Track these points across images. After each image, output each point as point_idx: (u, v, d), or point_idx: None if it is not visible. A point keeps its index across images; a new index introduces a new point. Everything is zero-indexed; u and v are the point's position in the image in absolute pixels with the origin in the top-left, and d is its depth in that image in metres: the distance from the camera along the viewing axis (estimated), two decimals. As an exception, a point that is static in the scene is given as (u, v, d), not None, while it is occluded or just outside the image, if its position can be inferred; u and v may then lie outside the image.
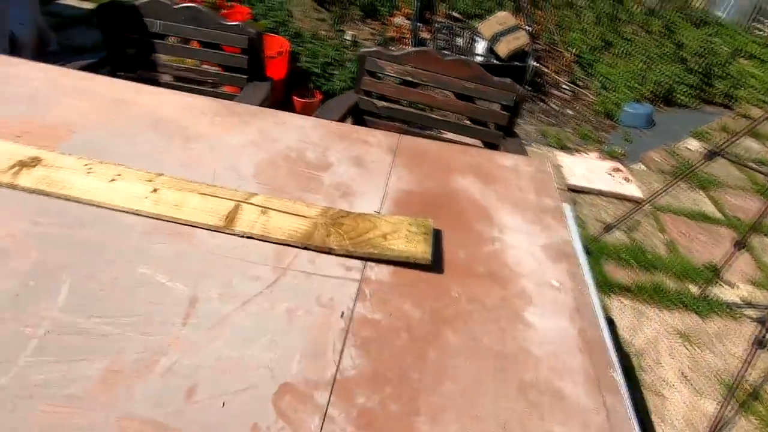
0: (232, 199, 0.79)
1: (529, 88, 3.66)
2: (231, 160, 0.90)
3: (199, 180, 0.82)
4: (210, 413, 0.50)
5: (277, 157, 0.94)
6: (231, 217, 0.75)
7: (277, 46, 2.54)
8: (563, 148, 2.98)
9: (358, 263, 0.72)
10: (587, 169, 2.67)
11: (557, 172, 2.56)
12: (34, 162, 0.79)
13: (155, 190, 0.78)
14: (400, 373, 0.58)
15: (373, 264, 0.73)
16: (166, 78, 1.47)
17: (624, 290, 1.92)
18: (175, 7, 1.37)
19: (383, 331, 0.63)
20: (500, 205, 0.91)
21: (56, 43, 2.84)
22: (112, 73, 1.46)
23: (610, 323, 1.75)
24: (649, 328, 1.82)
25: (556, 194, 0.97)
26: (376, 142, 1.05)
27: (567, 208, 0.95)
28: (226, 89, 1.54)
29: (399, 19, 4.45)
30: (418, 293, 0.69)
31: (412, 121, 1.44)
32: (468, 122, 1.43)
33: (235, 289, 0.64)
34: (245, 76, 1.43)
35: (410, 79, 1.37)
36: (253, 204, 0.78)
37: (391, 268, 0.73)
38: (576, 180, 2.51)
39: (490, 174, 1.00)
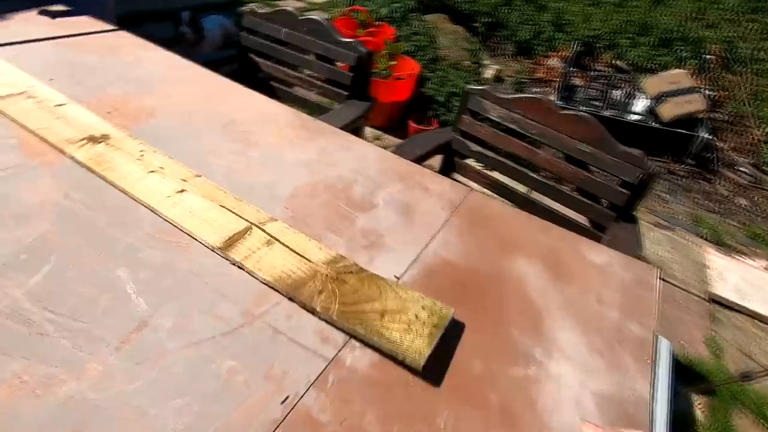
0: (246, 220, 0.72)
1: (693, 162, 3.04)
2: (275, 176, 0.85)
3: (234, 190, 0.78)
4: (76, 471, 0.42)
5: (322, 183, 0.86)
6: (233, 240, 0.68)
7: (408, 68, 2.53)
8: (719, 243, 2.37)
9: (340, 337, 0.59)
10: (746, 279, 2.06)
11: (700, 272, 2.03)
12: (101, 139, 0.84)
13: (182, 191, 0.76)
14: None
15: (357, 343, 0.58)
16: (277, 81, 1.52)
17: (757, 461, 1.39)
18: (299, 18, 1.41)
19: (320, 442, 0.48)
20: (560, 314, 0.68)
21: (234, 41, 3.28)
22: (237, 70, 1.58)
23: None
24: None
25: (652, 321, 0.70)
26: (438, 191, 0.90)
27: (663, 346, 0.67)
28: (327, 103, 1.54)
29: (554, 61, 4.14)
30: (393, 404, 0.53)
31: (506, 175, 1.24)
32: (574, 192, 1.18)
33: (191, 324, 0.57)
34: (347, 93, 1.41)
35: (515, 127, 1.18)
36: (264, 231, 0.71)
37: (376, 356, 0.57)
38: (724, 290, 1.95)
39: (566, 267, 0.77)
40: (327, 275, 0.65)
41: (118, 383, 0.49)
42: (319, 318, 0.60)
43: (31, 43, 1.14)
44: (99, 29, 1.28)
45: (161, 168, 0.80)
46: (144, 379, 0.50)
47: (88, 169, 0.77)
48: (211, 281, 0.63)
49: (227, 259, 0.66)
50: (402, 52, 2.62)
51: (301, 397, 0.51)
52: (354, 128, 1.42)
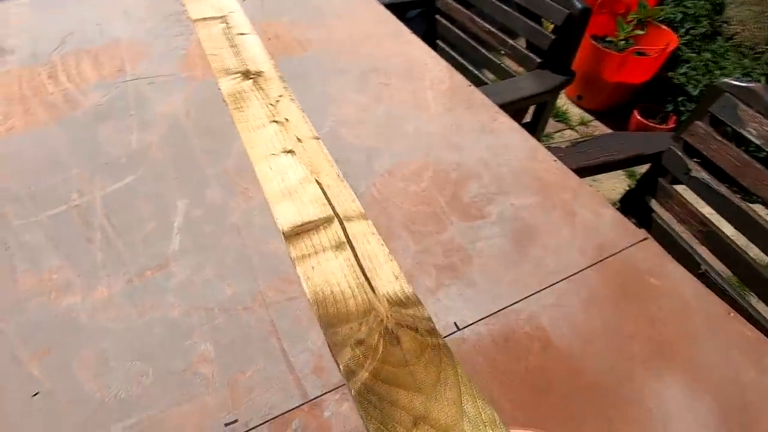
0: (333, 208, 0.60)
1: None
2: (383, 142, 0.71)
3: (333, 148, 0.68)
4: None
5: (432, 167, 0.68)
6: (305, 228, 0.57)
7: (660, 42, 1.91)
8: None
9: (337, 377, 0.45)
10: None
11: None
12: (254, 75, 0.82)
13: (290, 152, 0.68)
14: None
15: (351, 396, 0.43)
16: (467, 33, 1.31)
17: None
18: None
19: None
20: None
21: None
22: (431, 14, 1.43)
23: None
24: None
25: None
26: (590, 224, 0.61)
27: None
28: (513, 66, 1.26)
29: None
30: (345, 507, 0.37)
31: (737, 228, 0.79)
32: None
33: (200, 284, 0.51)
34: (539, 60, 1.11)
35: (785, 160, 0.72)
36: (345, 229, 0.57)
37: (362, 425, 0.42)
38: None
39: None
40: (383, 321, 0.48)
41: (108, 317, 0.47)
42: (343, 375, 0.45)
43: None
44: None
45: (286, 120, 0.73)
46: (128, 325, 0.47)
47: (225, 102, 0.76)
48: (248, 244, 0.56)
49: (289, 252, 0.56)
50: (660, 19, 1.99)
51: (249, 429, 0.41)
52: (540, 102, 1.14)
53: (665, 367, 0.47)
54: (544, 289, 0.54)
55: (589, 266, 0.56)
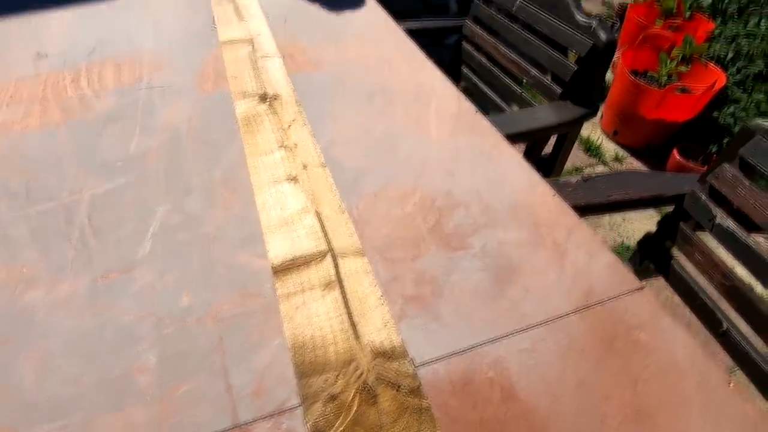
0: (329, 243, 0.57)
1: None
2: (375, 162, 0.70)
3: (333, 179, 0.66)
4: None
5: (420, 192, 0.65)
6: (294, 265, 0.54)
7: (706, 79, 1.81)
8: None
9: (275, 402, 0.42)
10: None
11: None
12: (270, 99, 0.82)
13: (293, 179, 0.66)
14: None
15: (286, 422, 0.41)
16: (492, 62, 1.30)
17: None
18: (540, -13, 1.12)
19: None
20: None
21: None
22: (458, 38, 1.42)
23: None
24: None
25: None
26: (580, 267, 0.56)
27: None
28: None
29: None
30: None
31: None
32: None
33: (159, 292, 0.50)
34: (560, 91, 1.07)
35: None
36: (338, 267, 0.54)
37: (290, 460, 0.39)
38: None
39: None
40: (363, 374, 0.44)
41: (66, 316, 0.48)
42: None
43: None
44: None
45: (295, 145, 0.73)
46: (80, 325, 0.47)
47: (238, 125, 0.76)
48: (216, 255, 0.55)
49: (275, 288, 0.54)
50: (706, 56, 1.89)
51: (171, 450, 0.39)
52: (561, 133, 1.10)
53: (641, 438, 0.41)
54: (518, 332, 0.49)
55: (573, 312, 0.51)
